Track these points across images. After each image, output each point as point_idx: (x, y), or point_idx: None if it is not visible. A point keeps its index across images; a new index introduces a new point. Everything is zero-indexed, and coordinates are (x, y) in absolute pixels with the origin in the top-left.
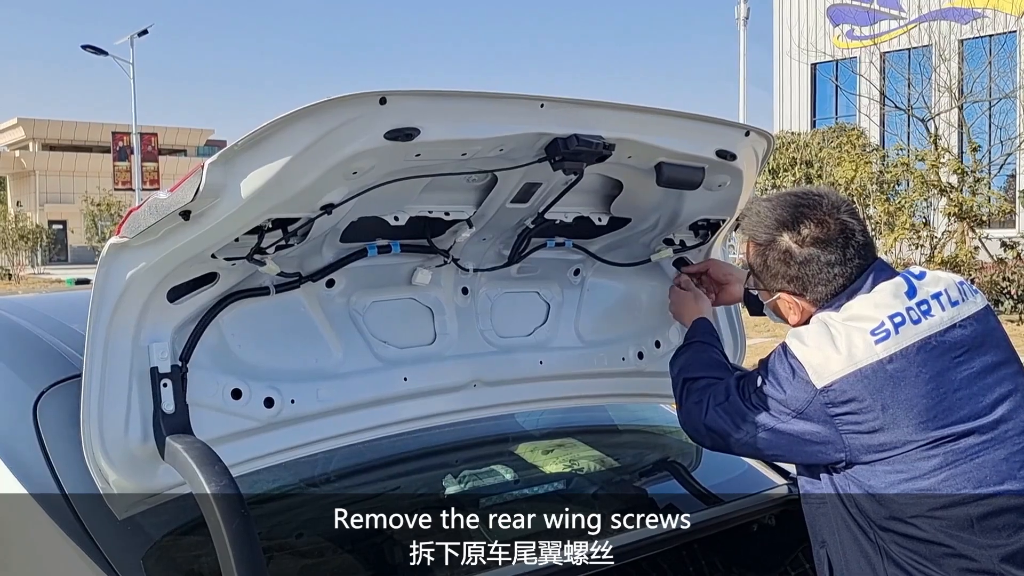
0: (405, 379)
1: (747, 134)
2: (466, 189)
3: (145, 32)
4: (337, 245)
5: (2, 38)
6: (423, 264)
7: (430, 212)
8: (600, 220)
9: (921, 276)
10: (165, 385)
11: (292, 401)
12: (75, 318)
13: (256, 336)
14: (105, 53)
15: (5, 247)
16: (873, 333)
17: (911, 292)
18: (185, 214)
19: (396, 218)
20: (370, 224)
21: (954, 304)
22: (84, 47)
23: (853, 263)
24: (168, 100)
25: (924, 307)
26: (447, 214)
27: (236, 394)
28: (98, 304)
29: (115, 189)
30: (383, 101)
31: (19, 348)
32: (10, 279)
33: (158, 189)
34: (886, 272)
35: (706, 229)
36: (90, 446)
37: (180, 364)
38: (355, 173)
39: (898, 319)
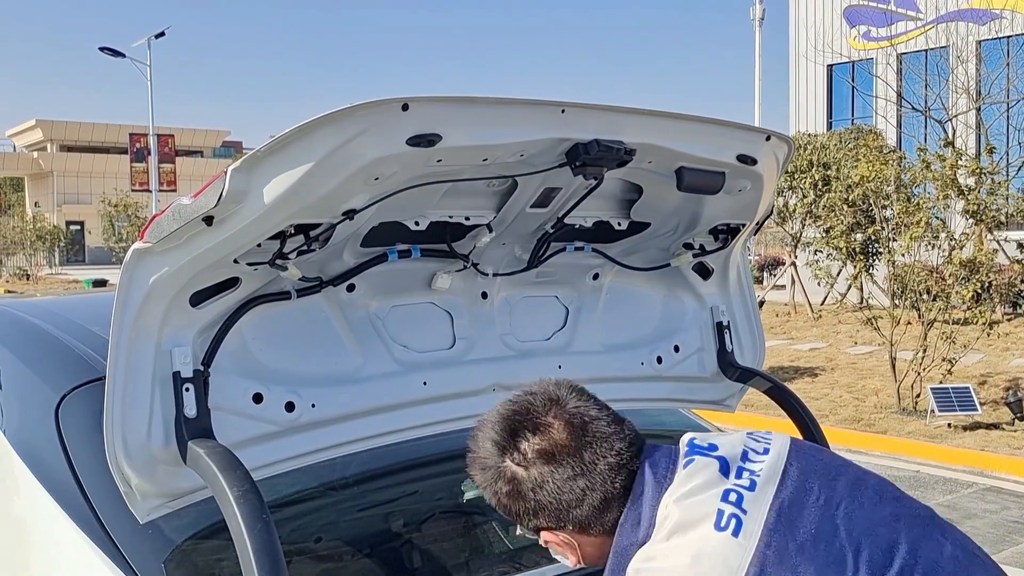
0: (424, 383)
1: (768, 139)
2: (486, 194)
3: (162, 34)
4: (358, 250)
5: (21, 40)
6: (443, 269)
7: (450, 217)
8: (620, 224)
9: (712, 447)
10: (187, 389)
11: (313, 405)
12: (96, 321)
13: (277, 340)
14: (122, 55)
15: (23, 247)
16: (720, 528)
17: (723, 467)
18: (208, 219)
19: (417, 223)
20: (390, 229)
21: (764, 452)
22: (101, 49)
23: (603, 464)
24: (185, 101)
25: (744, 470)
26: (467, 219)
27: (257, 398)
28: (121, 309)
29: (132, 190)
30: (405, 107)
31: (41, 351)
32: (28, 279)
33: (175, 190)
34: (663, 454)
35: (726, 234)
36: (112, 449)
37: (202, 368)
38: (377, 179)
39: (733, 496)
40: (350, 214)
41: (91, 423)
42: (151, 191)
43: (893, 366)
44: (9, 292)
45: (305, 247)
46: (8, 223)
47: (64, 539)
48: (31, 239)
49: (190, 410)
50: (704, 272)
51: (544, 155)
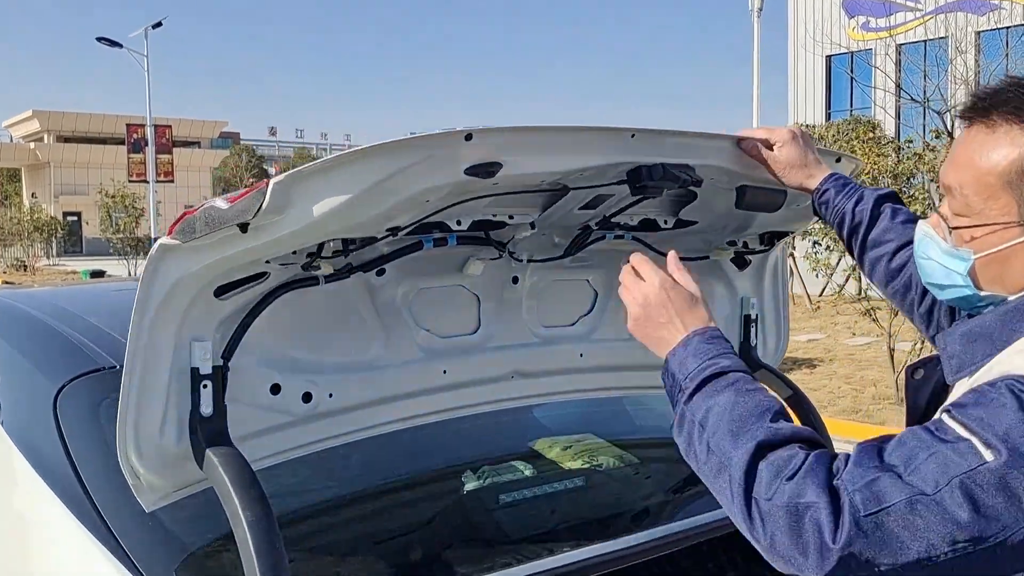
0: (444, 371)
1: (838, 160)
2: (534, 196)
3: (159, 24)
4: (393, 239)
5: (18, 30)
6: (476, 255)
7: (494, 216)
8: (666, 223)
9: None
10: (205, 387)
11: (330, 395)
12: (93, 312)
13: (299, 328)
14: (120, 45)
15: (20, 239)
16: None
17: None
18: (243, 226)
19: (459, 222)
20: (430, 224)
21: None
22: (99, 39)
23: None
24: (182, 92)
25: None
26: (511, 217)
27: (275, 389)
28: (143, 302)
29: (129, 181)
30: (469, 138)
31: (39, 343)
32: (25, 271)
33: (172, 181)
34: None
35: (773, 235)
36: (123, 443)
37: (222, 363)
38: (428, 201)
39: None
40: (394, 231)
41: (89, 414)
42: (148, 182)
43: (891, 357)
44: (7, 283)
45: (342, 253)
46: (5, 214)
47: (62, 531)
48: (28, 230)
49: (206, 408)
50: (741, 262)
51: (604, 174)
